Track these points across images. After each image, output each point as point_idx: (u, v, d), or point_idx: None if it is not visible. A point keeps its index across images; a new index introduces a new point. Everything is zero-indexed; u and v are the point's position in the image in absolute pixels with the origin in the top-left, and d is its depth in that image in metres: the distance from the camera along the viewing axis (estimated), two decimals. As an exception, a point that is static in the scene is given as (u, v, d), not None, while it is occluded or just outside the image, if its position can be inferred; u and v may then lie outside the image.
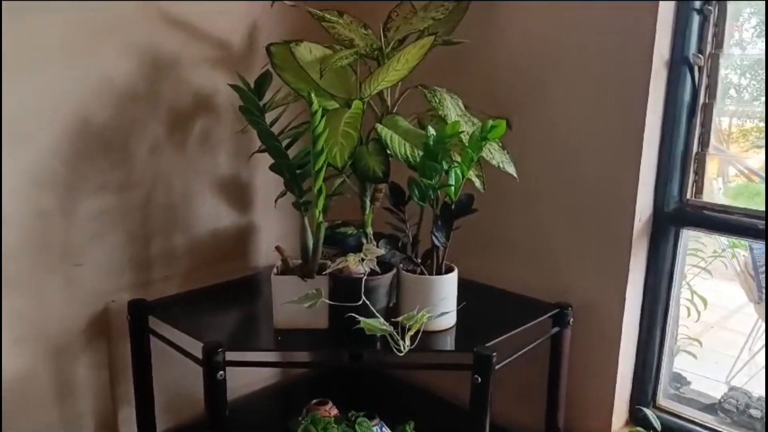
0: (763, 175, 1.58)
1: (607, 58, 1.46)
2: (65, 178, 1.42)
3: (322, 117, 1.24)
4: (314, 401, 1.63)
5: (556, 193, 1.57)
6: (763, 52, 1.43)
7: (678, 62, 1.44)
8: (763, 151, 1.55)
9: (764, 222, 1.38)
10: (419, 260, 1.41)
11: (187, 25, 1.54)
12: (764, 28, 1.43)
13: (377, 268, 1.33)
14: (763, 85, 1.46)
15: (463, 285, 1.44)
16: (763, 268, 2.31)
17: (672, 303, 1.59)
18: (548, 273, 1.61)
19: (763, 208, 1.40)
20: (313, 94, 1.24)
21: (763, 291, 2.32)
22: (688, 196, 1.51)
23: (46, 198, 1.40)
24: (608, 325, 1.54)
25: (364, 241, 1.47)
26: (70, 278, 1.47)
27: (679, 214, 1.51)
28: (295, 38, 1.44)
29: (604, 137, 1.49)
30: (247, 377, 1.75)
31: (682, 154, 1.50)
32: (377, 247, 1.37)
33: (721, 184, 1.78)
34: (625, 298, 1.52)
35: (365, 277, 1.32)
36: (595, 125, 1.50)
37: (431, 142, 1.30)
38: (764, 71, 1.45)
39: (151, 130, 1.53)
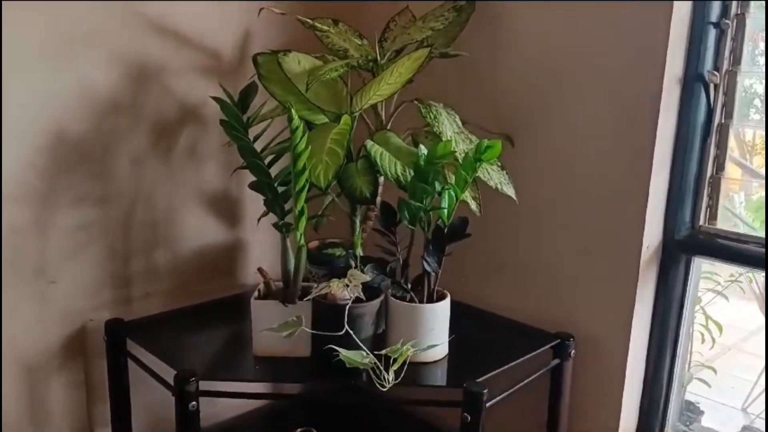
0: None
1: (615, 74, 1.37)
2: (40, 191, 1.36)
3: (303, 134, 1.16)
4: (299, 430, 1.54)
5: (559, 216, 1.48)
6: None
7: (692, 80, 1.35)
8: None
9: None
10: (409, 286, 1.33)
11: (174, 32, 1.47)
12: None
13: (362, 295, 1.24)
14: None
15: (457, 309, 1.35)
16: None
17: (682, 334, 1.49)
18: (549, 301, 1.52)
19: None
20: (293, 110, 1.16)
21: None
22: (701, 222, 1.41)
23: (19, 212, 1.34)
24: (613, 357, 1.44)
25: (352, 263, 1.39)
26: (44, 296, 1.40)
27: (691, 241, 1.41)
28: (290, 47, 1.37)
29: (611, 158, 1.39)
30: (228, 402, 1.67)
31: (695, 178, 1.40)
32: (364, 271, 1.28)
33: (743, 198, 1.69)
34: (631, 329, 1.42)
35: (349, 304, 1.24)
36: (601, 146, 1.40)
37: (422, 162, 1.21)
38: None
39: (133, 141, 1.47)
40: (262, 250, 1.70)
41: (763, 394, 2.17)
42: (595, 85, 1.39)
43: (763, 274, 2.14)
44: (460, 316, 1.37)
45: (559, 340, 1.44)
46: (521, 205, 1.40)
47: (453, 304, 1.34)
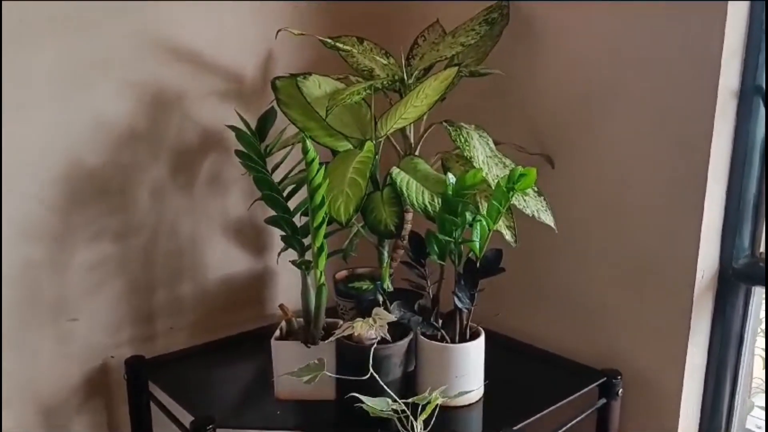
0: None
1: (663, 87, 1.25)
2: (56, 226, 1.31)
3: (320, 166, 1.08)
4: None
5: (603, 243, 1.37)
6: None
7: (749, 93, 1.22)
8: None
9: None
10: (440, 323, 1.24)
11: (193, 56, 1.41)
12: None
13: (388, 336, 1.16)
14: None
15: (492, 341, 1.26)
16: None
17: (742, 367, 1.36)
18: (594, 335, 1.41)
19: None
20: (308, 141, 1.08)
21: None
22: (762, 248, 1.28)
23: (35, 249, 1.29)
24: (665, 396, 1.32)
25: (380, 298, 1.30)
26: (63, 334, 1.36)
27: (751, 270, 1.28)
28: (315, 68, 1.30)
29: (661, 180, 1.28)
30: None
31: (754, 200, 1.27)
32: (391, 309, 1.20)
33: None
34: (684, 366, 1.30)
35: (375, 344, 1.16)
36: (650, 166, 1.29)
37: (449, 192, 1.12)
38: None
39: (153, 171, 1.41)
40: (289, 279, 1.63)
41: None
42: (642, 100, 1.28)
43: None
44: (495, 348, 1.27)
45: (605, 378, 1.32)
46: (561, 229, 1.30)
47: (487, 334, 1.25)
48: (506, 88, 1.47)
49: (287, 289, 1.63)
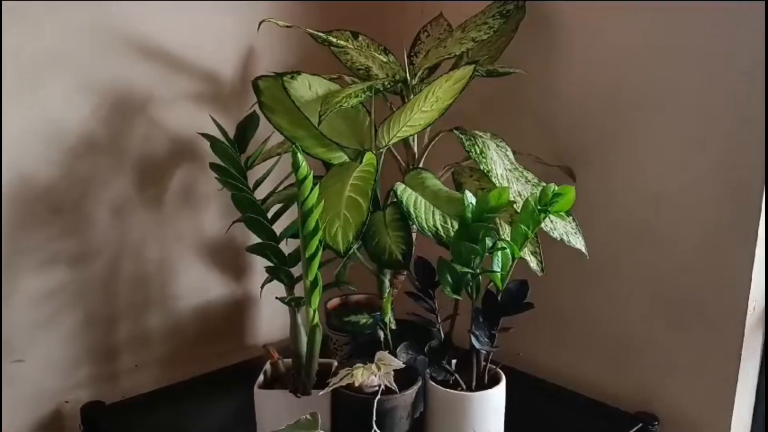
0: None
1: (709, 89, 1.08)
2: (-1, 252, 1.11)
3: (314, 184, 0.89)
4: None
5: (638, 269, 1.19)
6: None
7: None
8: None
9: None
10: (453, 365, 1.05)
11: (161, 52, 1.22)
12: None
13: (393, 385, 0.97)
14: None
15: (513, 380, 1.08)
16: None
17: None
18: (627, 373, 1.23)
19: None
20: (299, 154, 0.89)
21: None
22: (822, 277, 1.12)
23: (-28, 279, 1.09)
24: (708, 445, 1.16)
25: (381, 334, 1.12)
26: (7, 377, 1.15)
27: (809, 301, 1.12)
28: (303, 68, 1.11)
29: (707, 197, 1.10)
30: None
31: (812, 221, 1.10)
32: (396, 351, 1.01)
33: None
34: (732, 410, 1.13)
35: (379, 395, 0.97)
36: (694, 180, 1.11)
37: (469, 215, 0.94)
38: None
39: (115, 185, 1.21)
40: (274, 307, 1.43)
41: None
42: (685, 104, 1.11)
43: None
44: (515, 388, 1.09)
45: (641, 424, 1.15)
46: (592, 255, 1.12)
47: (506, 372, 1.07)
48: (519, 90, 1.30)
49: (272, 317, 1.43)
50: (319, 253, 0.92)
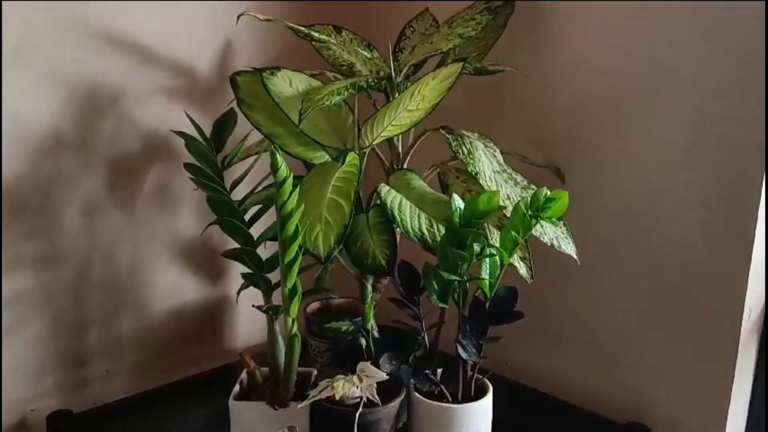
0: None
1: (705, 87, 1.04)
2: (-42, 254, 1.05)
3: (294, 187, 0.84)
4: None
5: (630, 274, 1.15)
6: None
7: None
8: None
9: None
10: (438, 376, 1.01)
11: (133, 44, 1.16)
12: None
13: (376, 397, 0.92)
14: None
15: (501, 388, 1.04)
16: None
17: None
18: (618, 382, 1.19)
19: None
20: (278, 155, 0.84)
21: None
22: (818, 283, 1.09)
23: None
24: (701, 455, 1.12)
25: (363, 342, 1.07)
26: (-30, 386, 1.10)
27: (804, 307, 1.09)
28: (283, 63, 1.06)
29: (701, 199, 1.07)
30: None
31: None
32: (379, 361, 0.97)
33: None
34: (726, 419, 1.10)
35: (360, 408, 0.92)
36: (688, 181, 1.07)
37: (457, 220, 0.89)
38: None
39: (83, 184, 1.16)
40: (252, 310, 1.38)
41: None
42: (679, 102, 1.07)
43: None
44: (502, 397, 1.04)
45: (631, 434, 1.12)
46: (582, 260, 1.08)
47: (493, 381, 1.03)
48: (508, 88, 1.25)
49: (250, 322, 1.38)
50: (299, 260, 0.87)
